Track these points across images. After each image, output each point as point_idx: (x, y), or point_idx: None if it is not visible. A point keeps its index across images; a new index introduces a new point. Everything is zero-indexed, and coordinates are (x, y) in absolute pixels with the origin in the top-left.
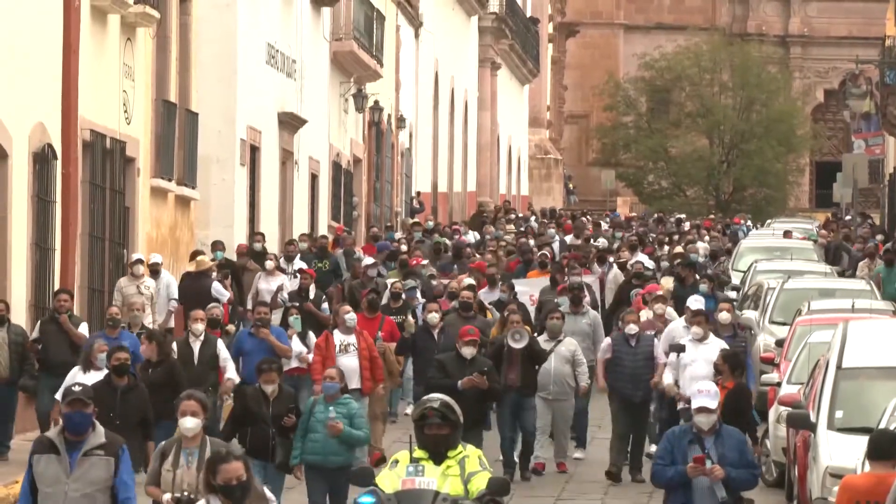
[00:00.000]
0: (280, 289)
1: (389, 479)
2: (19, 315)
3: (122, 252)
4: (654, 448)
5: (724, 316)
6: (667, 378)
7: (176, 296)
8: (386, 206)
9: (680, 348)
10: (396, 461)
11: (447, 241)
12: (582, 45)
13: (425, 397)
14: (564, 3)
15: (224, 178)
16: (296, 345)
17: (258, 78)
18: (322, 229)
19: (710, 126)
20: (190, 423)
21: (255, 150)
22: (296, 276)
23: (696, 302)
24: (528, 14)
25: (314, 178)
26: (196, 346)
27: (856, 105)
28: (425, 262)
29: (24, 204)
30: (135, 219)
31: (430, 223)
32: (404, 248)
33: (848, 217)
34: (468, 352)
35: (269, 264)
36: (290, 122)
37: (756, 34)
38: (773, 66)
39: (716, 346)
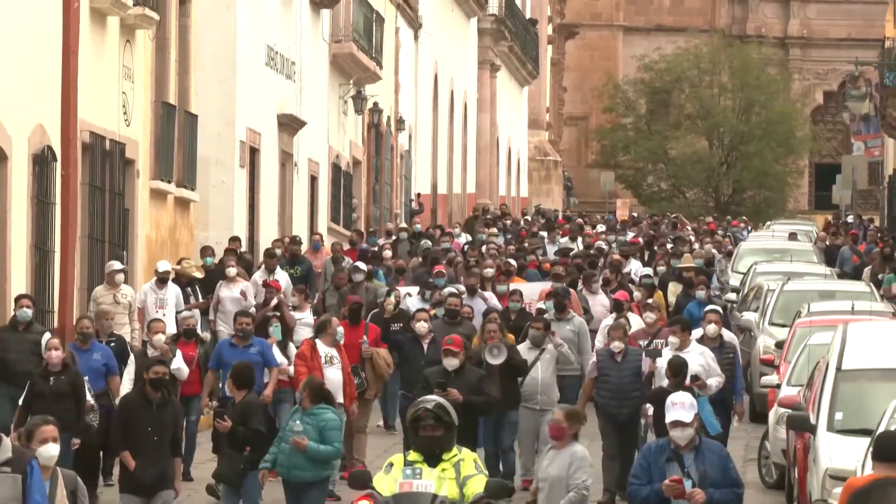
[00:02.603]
0: (244, 295)
1: (386, 483)
2: None
3: (122, 254)
4: None
5: (711, 328)
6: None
7: (183, 305)
8: (385, 207)
9: (656, 354)
10: (391, 464)
11: (430, 244)
12: (581, 47)
13: (420, 398)
14: (564, 4)
15: (223, 180)
16: (275, 355)
17: (257, 80)
18: (321, 231)
19: (710, 128)
20: (53, 451)
21: (254, 151)
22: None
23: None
24: (528, 16)
25: (314, 179)
26: None
27: (855, 107)
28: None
29: (24, 206)
30: (134, 221)
31: (418, 226)
32: (388, 252)
33: (849, 219)
34: (449, 363)
35: (231, 271)
36: (290, 124)
37: (755, 36)
38: (773, 68)
39: (696, 353)
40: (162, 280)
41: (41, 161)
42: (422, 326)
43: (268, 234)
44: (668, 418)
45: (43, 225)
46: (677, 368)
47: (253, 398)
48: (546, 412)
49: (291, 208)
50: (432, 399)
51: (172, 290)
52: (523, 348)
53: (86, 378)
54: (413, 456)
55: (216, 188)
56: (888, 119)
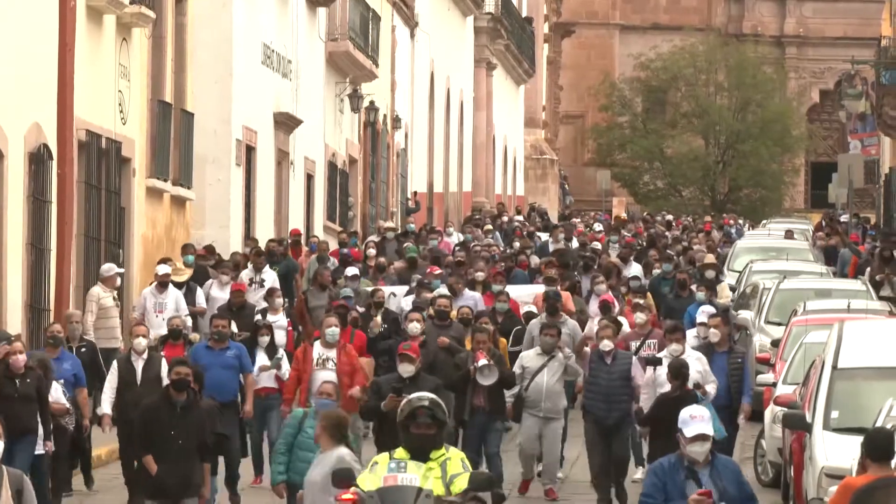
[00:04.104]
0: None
1: (371, 481)
2: (15, 316)
3: (118, 252)
4: (639, 474)
5: (714, 333)
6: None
7: (186, 309)
8: (381, 206)
9: (656, 361)
10: (376, 463)
11: (414, 252)
12: (577, 46)
13: (414, 395)
14: (560, 3)
15: (220, 179)
16: (262, 359)
17: (254, 78)
18: (317, 230)
19: (706, 126)
20: None
21: (250, 150)
22: (262, 286)
23: (702, 315)
24: (524, 14)
25: (310, 178)
26: (139, 365)
27: (851, 105)
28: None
29: (20, 204)
30: (130, 219)
31: (411, 225)
32: (372, 251)
33: (843, 218)
34: (404, 370)
35: (224, 278)
36: (286, 123)
37: (752, 34)
38: (769, 67)
39: (693, 360)
40: (162, 284)
41: (37, 159)
42: (414, 327)
43: (264, 233)
44: (689, 432)
45: (39, 223)
46: (677, 371)
47: (208, 402)
48: (550, 420)
49: (287, 207)
50: (427, 396)
51: (172, 294)
52: (532, 354)
53: (61, 381)
54: (400, 454)
55: (212, 186)
56: (884, 117)
